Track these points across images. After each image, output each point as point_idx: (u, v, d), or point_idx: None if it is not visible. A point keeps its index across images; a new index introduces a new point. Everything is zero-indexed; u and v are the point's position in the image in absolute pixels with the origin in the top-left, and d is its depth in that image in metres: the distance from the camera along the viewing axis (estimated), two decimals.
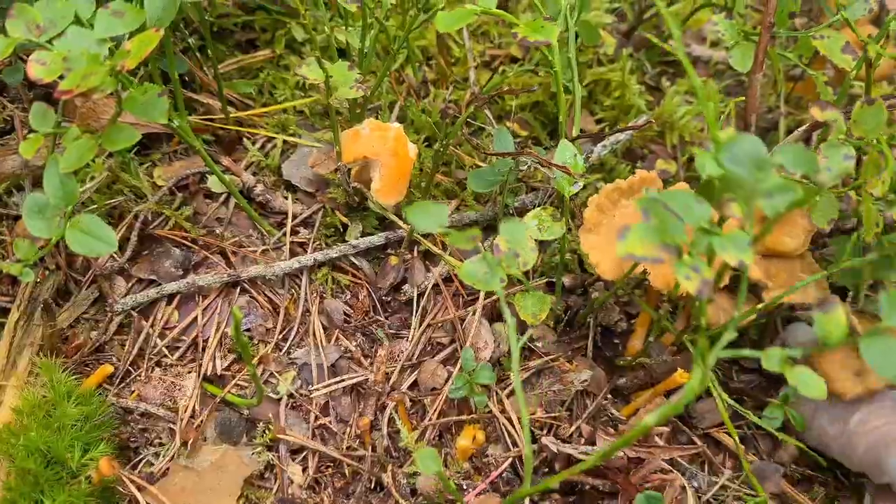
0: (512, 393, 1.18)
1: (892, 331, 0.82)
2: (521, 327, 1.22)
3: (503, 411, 1.15)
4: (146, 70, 1.28)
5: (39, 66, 0.86)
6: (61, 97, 0.82)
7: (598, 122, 1.51)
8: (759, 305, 1.10)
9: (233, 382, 1.14)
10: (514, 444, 1.13)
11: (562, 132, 1.12)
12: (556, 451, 1.10)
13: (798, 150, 0.84)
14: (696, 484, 1.13)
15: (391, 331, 1.23)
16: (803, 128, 1.15)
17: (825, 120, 0.89)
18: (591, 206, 1.15)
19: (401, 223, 1.25)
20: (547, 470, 1.13)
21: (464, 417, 1.14)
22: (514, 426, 1.13)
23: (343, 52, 1.40)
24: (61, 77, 0.84)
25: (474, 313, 1.21)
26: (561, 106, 1.11)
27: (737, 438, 1.10)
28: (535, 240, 1.07)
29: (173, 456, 1.07)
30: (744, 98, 1.28)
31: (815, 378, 0.82)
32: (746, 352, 0.86)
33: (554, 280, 1.24)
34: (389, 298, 1.26)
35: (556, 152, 1.10)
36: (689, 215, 0.78)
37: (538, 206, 1.33)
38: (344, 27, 1.27)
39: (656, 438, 1.18)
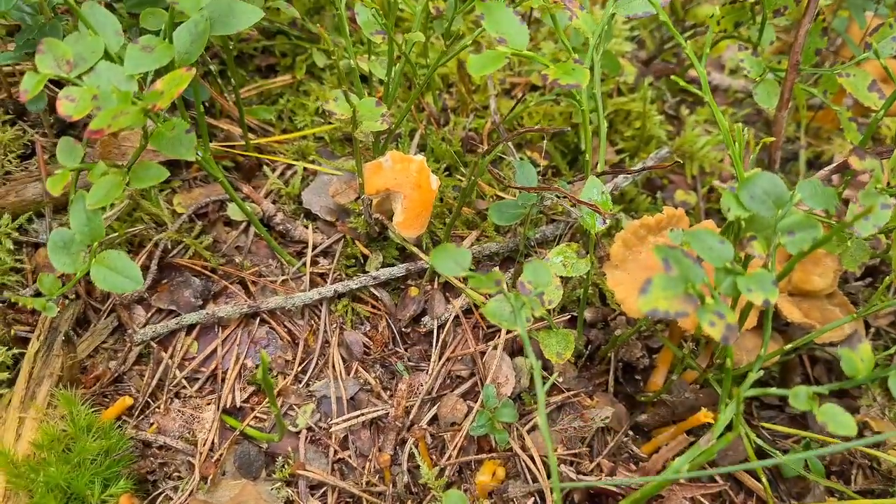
0: (533, 429, 1.17)
1: None
2: (544, 364, 1.21)
3: (524, 448, 1.14)
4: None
5: (69, 103, 0.85)
6: (92, 137, 0.81)
7: (619, 152, 1.50)
8: (788, 346, 1.10)
9: (252, 415, 1.13)
10: (535, 479, 1.12)
11: (587, 169, 1.12)
12: (574, 477, 1.10)
13: (816, 186, 0.83)
14: None
15: (411, 363, 1.22)
16: (829, 168, 1.14)
17: (863, 169, 0.88)
18: (618, 242, 1.15)
19: (422, 255, 1.25)
20: None
21: (483, 456, 1.13)
22: (534, 462, 1.12)
23: (364, 78, 1.40)
24: (90, 115, 0.84)
25: (495, 348, 1.20)
26: (587, 142, 1.10)
27: (765, 480, 1.09)
28: (560, 277, 1.07)
29: (192, 490, 1.06)
30: (767, 135, 1.27)
31: (846, 415, 0.81)
32: (774, 390, 0.85)
33: (575, 313, 1.23)
34: (409, 330, 1.25)
35: (582, 189, 1.10)
36: (713, 256, 0.78)
37: (559, 236, 1.32)
38: (367, 55, 1.26)
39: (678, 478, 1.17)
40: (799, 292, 1.17)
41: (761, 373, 0.84)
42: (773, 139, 1.10)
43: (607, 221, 1.08)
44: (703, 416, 1.11)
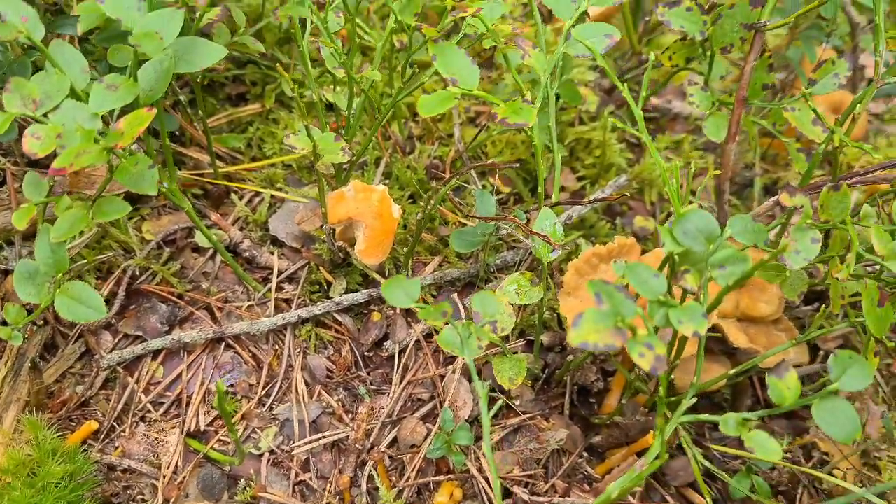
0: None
1: (839, 393, 0.86)
2: (503, 387, 1.25)
3: (480, 469, 1.18)
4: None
5: (34, 141, 0.89)
6: (55, 174, 0.85)
7: (580, 179, 1.55)
8: (732, 371, 1.14)
9: (216, 438, 1.16)
10: (491, 500, 1.16)
11: (541, 201, 1.16)
12: (527, 500, 1.14)
13: (746, 223, 0.88)
14: None
15: (373, 386, 1.25)
16: (771, 201, 1.19)
17: (794, 205, 0.93)
18: (571, 271, 1.19)
19: (383, 281, 1.28)
20: None
21: (440, 478, 1.17)
22: (489, 484, 1.16)
23: (331, 106, 1.44)
24: (55, 153, 0.87)
25: (454, 372, 1.24)
26: (540, 174, 1.14)
27: (709, 500, 1.13)
28: (513, 304, 1.11)
29: None
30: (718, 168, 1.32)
31: (771, 441, 0.85)
32: (705, 416, 0.89)
33: (533, 337, 1.27)
34: (372, 354, 1.28)
35: (536, 219, 1.14)
36: (646, 290, 0.82)
37: (518, 262, 1.37)
38: (332, 86, 1.31)
39: (629, 497, 1.21)
40: (746, 318, 1.22)
41: (694, 399, 0.88)
42: (720, 172, 1.15)
43: (558, 252, 1.12)
44: (652, 438, 1.15)
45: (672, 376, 1.15)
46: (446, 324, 0.90)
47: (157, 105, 1.10)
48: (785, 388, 0.88)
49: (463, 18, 1.11)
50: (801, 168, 1.32)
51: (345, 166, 1.25)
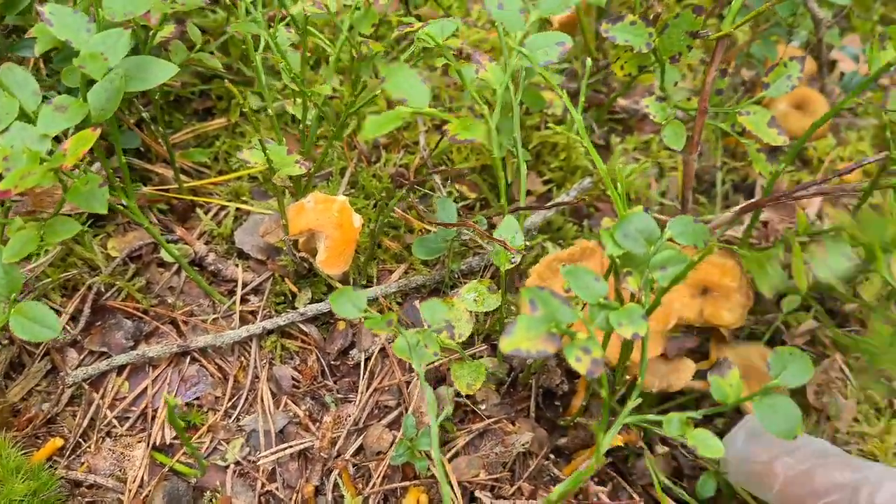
0: (455, 456, 1.22)
1: (779, 389, 0.87)
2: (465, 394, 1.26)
3: (444, 474, 1.18)
4: (102, 144, 1.32)
5: None
6: (2, 196, 0.86)
7: (546, 182, 1.56)
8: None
9: (181, 451, 1.17)
10: None
11: (504, 209, 1.17)
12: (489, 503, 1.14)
13: (686, 223, 0.89)
14: None
15: (340, 395, 1.26)
16: (736, 209, 1.20)
17: (835, 223, 0.94)
18: (533, 276, 1.20)
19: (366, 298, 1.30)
20: None
21: (406, 484, 1.18)
22: (454, 491, 1.16)
23: (297, 119, 1.46)
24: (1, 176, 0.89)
25: (418, 378, 1.25)
26: (500, 182, 1.15)
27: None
28: (471, 312, 1.12)
29: None
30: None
31: (713, 439, 0.86)
32: (650, 416, 0.90)
33: (497, 342, 1.28)
34: (338, 363, 1.29)
35: (499, 227, 1.15)
36: (587, 293, 0.83)
37: (484, 267, 1.38)
38: (293, 99, 1.32)
39: (598, 496, 1.21)
40: (710, 325, 1.22)
41: (639, 400, 0.89)
42: (683, 180, 1.16)
43: (517, 259, 1.13)
44: (614, 439, 1.16)
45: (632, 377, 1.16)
46: (391, 331, 0.91)
47: (112, 123, 1.12)
48: (727, 386, 0.89)
49: (415, 33, 1.13)
50: (761, 169, 1.32)
51: (304, 178, 1.26)
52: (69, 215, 1.27)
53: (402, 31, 1.05)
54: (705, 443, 0.85)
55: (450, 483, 1.17)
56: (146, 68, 1.05)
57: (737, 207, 1.21)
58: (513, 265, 1.13)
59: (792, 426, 0.84)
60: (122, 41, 1.00)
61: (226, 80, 1.06)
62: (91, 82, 1.01)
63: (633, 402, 0.89)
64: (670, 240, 0.90)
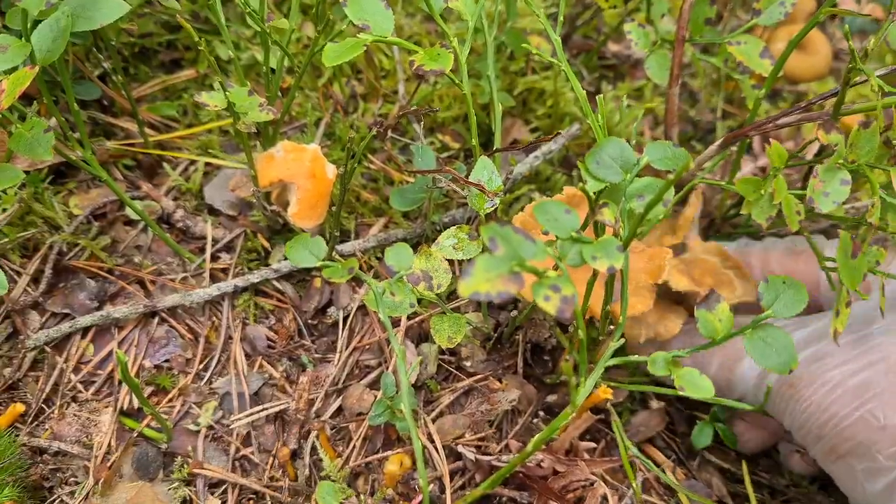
0: (439, 416, 1.16)
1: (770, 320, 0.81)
2: (453, 349, 1.20)
3: (429, 436, 1.13)
4: (64, 99, 1.25)
5: None
6: None
7: (533, 130, 1.49)
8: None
9: (151, 416, 1.12)
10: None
11: (476, 153, 1.09)
12: (474, 459, 1.09)
13: (665, 148, 0.82)
14: (620, 492, 1.12)
15: (317, 355, 1.21)
16: (717, 143, 1.12)
17: (829, 143, 0.87)
18: (515, 223, 1.13)
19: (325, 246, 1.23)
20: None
21: (388, 453, 1.12)
22: (437, 451, 1.11)
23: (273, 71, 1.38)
24: None
25: (397, 334, 1.19)
26: (471, 121, 1.08)
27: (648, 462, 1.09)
28: (449, 261, 1.05)
29: (87, 494, 1.04)
30: (689, 108, 1.25)
31: (702, 378, 0.80)
32: (634, 358, 0.84)
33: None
34: (315, 321, 1.23)
35: (473, 170, 1.08)
36: (558, 227, 0.76)
37: (470, 219, 1.31)
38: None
39: (586, 454, 1.16)
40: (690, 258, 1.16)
41: (622, 341, 0.83)
42: (666, 116, 1.09)
43: (495, 202, 1.06)
44: (603, 392, 1.10)
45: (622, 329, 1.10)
46: (350, 278, 0.85)
47: (62, 68, 1.05)
48: (716, 321, 0.82)
49: None
50: (749, 98, 1.25)
51: (271, 125, 1.19)
52: (27, 172, 1.22)
53: None
54: (693, 382, 0.79)
55: (433, 442, 1.12)
56: (94, 6, 0.97)
57: (718, 142, 1.14)
58: (492, 209, 1.06)
59: (787, 359, 0.77)
60: None
61: (186, 25, 0.99)
62: (37, 23, 0.94)
63: (616, 343, 0.83)
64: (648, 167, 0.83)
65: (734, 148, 1.26)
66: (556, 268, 0.78)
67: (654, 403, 1.23)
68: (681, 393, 0.78)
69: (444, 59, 0.93)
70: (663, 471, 1.16)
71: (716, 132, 1.55)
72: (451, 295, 1.25)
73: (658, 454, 1.19)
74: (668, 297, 1.15)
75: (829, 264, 0.97)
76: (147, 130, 1.32)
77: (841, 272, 0.87)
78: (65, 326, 1.13)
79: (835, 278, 0.95)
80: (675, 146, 0.87)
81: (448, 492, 1.06)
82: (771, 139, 0.89)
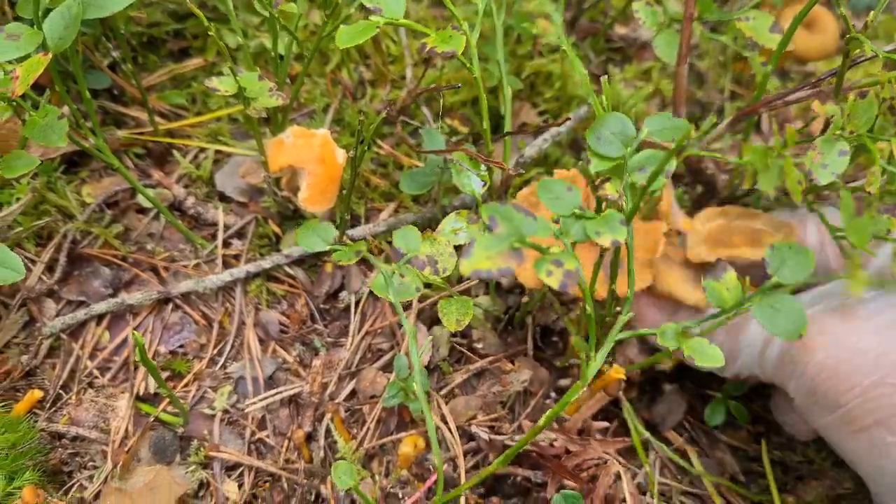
0: (451, 397, 1.17)
1: (779, 287, 0.81)
2: (465, 331, 1.21)
3: (442, 417, 1.14)
4: (76, 89, 1.26)
5: None
6: None
7: (542, 113, 1.49)
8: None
9: (167, 400, 1.13)
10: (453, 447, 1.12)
11: (486, 137, 1.10)
12: (487, 440, 1.10)
13: (665, 119, 0.82)
14: (633, 471, 1.12)
15: (330, 339, 1.21)
16: (727, 121, 1.12)
17: (825, 113, 0.87)
18: (518, 199, 1.14)
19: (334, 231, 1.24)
20: None
21: (401, 435, 1.13)
22: (451, 432, 1.12)
23: (282, 57, 1.38)
24: None
25: (409, 318, 1.20)
26: (482, 105, 1.08)
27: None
28: (454, 245, 1.05)
29: (106, 478, 1.06)
30: (696, 89, 1.25)
31: (712, 347, 0.81)
32: (643, 331, 0.84)
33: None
34: (328, 306, 1.24)
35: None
36: (560, 205, 0.77)
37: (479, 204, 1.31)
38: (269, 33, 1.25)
39: (598, 434, 1.16)
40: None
41: (631, 314, 0.83)
42: (675, 95, 1.08)
43: (486, 184, 1.06)
44: (615, 372, 1.10)
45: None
46: (358, 260, 0.85)
47: (73, 57, 1.05)
48: (723, 290, 0.82)
49: None
50: (758, 73, 1.24)
51: (280, 110, 1.19)
52: (42, 162, 1.23)
53: None
54: (703, 352, 0.80)
55: (446, 423, 1.13)
56: None
57: (727, 119, 1.13)
58: (480, 193, 1.07)
59: (798, 325, 0.77)
60: None
61: (197, 11, 0.99)
62: (48, 12, 0.95)
63: (626, 317, 0.83)
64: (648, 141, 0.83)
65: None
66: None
67: (667, 386, 1.23)
68: (689, 363, 0.78)
69: (457, 40, 0.93)
70: (676, 451, 1.16)
71: (724, 113, 1.55)
72: (462, 278, 1.26)
73: (671, 433, 1.19)
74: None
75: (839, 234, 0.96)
76: (157, 119, 1.33)
77: (848, 231, 0.86)
78: (80, 314, 1.14)
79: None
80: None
81: (462, 471, 1.07)
82: (788, 126, 0.89)
